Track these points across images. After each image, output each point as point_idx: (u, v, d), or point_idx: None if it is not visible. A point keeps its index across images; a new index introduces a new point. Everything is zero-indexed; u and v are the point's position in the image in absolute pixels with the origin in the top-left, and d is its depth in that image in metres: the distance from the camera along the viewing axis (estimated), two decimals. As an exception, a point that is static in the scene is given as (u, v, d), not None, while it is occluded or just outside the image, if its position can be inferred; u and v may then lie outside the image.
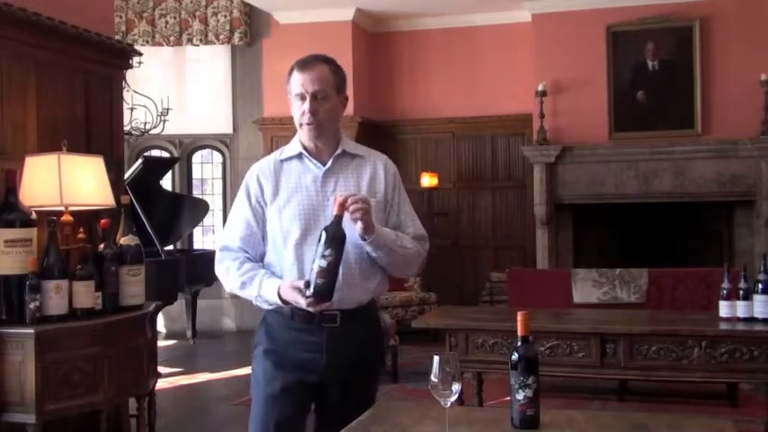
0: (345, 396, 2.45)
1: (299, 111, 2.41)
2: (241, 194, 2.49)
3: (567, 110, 8.04)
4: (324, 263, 2.23)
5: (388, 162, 2.54)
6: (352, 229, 2.31)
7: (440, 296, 7.93)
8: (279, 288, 2.34)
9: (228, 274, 2.45)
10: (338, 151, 2.46)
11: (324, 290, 2.24)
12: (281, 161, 2.48)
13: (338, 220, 2.25)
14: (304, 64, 2.44)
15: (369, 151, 2.55)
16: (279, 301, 2.35)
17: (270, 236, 2.45)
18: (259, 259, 2.47)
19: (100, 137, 4.29)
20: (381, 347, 2.69)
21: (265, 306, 2.46)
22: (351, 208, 2.26)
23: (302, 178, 2.44)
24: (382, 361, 2.71)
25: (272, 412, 2.45)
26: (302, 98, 2.40)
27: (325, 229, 2.25)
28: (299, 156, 2.46)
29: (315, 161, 2.45)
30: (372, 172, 2.48)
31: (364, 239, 2.33)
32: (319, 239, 2.26)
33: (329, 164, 2.44)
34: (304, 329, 2.41)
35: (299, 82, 2.41)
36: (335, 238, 2.24)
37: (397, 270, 2.51)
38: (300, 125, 2.42)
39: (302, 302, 2.27)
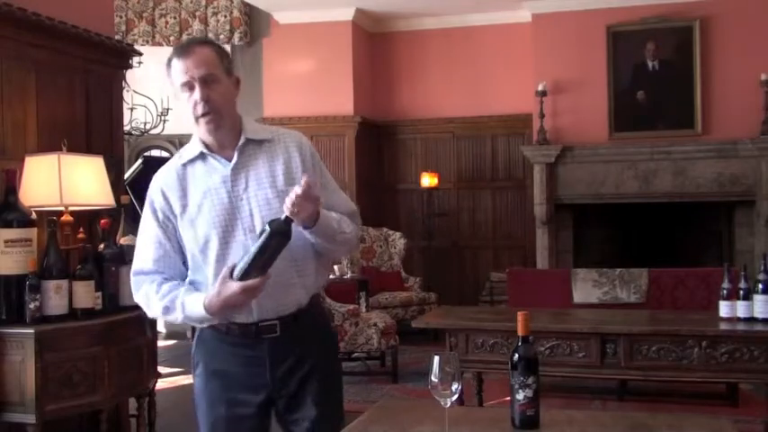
0: (302, 412, 2.23)
1: (190, 103, 2.14)
2: (147, 212, 2.23)
3: (567, 110, 8.04)
4: (254, 251, 2.02)
5: (302, 140, 2.26)
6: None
7: (440, 296, 7.93)
8: (204, 300, 2.08)
9: (149, 300, 2.19)
10: (241, 141, 2.18)
11: (243, 274, 2.03)
12: (184, 166, 2.21)
13: (288, 221, 2.03)
14: (183, 49, 2.16)
15: (276, 131, 2.26)
16: (207, 315, 2.10)
17: (188, 251, 2.20)
18: (178, 278, 2.21)
19: (100, 137, 4.29)
20: (333, 350, 2.44)
21: (197, 325, 2.24)
22: (291, 210, 2.01)
23: (209, 181, 2.17)
24: (338, 366, 2.46)
25: None
26: (190, 87, 2.13)
27: (269, 223, 2.03)
28: (202, 156, 2.20)
29: (219, 158, 2.18)
30: (286, 156, 2.20)
31: (306, 227, 2.10)
32: (261, 232, 2.03)
33: (235, 158, 2.17)
34: (243, 344, 2.20)
35: (181, 69, 2.13)
36: (277, 235, 2.01)
37: (334, 254, 2.32)
38: (196, 119, 2.15)
39: (236, 290, 2.02)
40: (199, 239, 2.16)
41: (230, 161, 2.18)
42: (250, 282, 2.02)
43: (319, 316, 2.36)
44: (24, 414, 3.30)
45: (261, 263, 2.03)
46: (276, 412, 2.27)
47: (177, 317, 2.15)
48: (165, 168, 2.26)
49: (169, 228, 2.20)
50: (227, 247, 2.14)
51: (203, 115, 2.13)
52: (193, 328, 7.56)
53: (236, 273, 2.04)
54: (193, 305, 2.11)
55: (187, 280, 2.22)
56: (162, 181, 2.22)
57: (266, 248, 2.02)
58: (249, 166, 2.18)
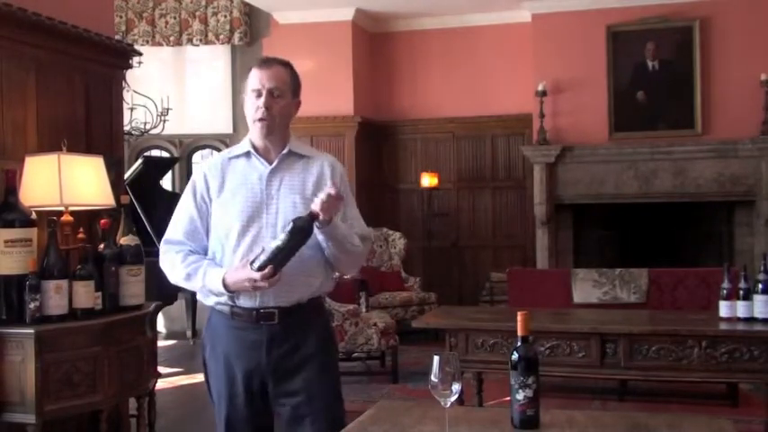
0: (296, 396, 2.46)
1: (253, 107, 2.46)
2: (187, 191, 2.56)
3: (567, 110, 8.04)
4: (278, 244, 2.28)
5: (335, 163, 2.60)
6: None
7: (440, 296, 7.93)
8: (224, 275, 2.38)
9: (173, 266, 2.50)
10: (284, 151, 2.51)
11: (262, 265, 2.29)
12: (229, 159, 2.54)
13: (312, 218, 2.31)
14: (264, 63, 2.51)
15: (316, 152, 2.62)
16: (222, 289, 2.39)
17: (213, 230, 2.50)
18: (202, 252, 2.52)
19: (100, 137, 4.29)
20: (329, 346, 2.63)
21: (210, 300, 2.50)
22: (325, 207, 2.31)
23: (248, 176, 2.49)
24: (333, 360, 2.66)
25: (226, 414, 2.51)
26: (258, 94, 2.45)
27: (294, 220, 2.30)
28: (247, 154, 2.52)
29: (261, 159, 2.50)
30: (319, 172, 2.52)
31: (318, 227, 2.36)
32: (285, 227, 2.32)
33: (275, 163, 2.49)
34: (245, 328, 2.46)
35: (257, 78, 2.47)
36: (301, 231, 2.29)
37: (342, 265, 2.55)
38: (253, 121, 2.47)
39: (251, 276, 2.30)
40: (226, 222, 2.46)
41: (271, 164, 2.49)
42: (265, 272, 2.28)
43: (318, 313, 2.59)
44: (24, 414, 3.29)
45: (280, 257, 2.29)
46: (269, 393, 2.49)
47: (196, 285, 2.46)
48: (213, 158, 2.65)
49: (203, 208, 2.51)
50: (247, 233, 2.43)
51: (260, 120, 2.45)
52: (194, 329, 7.54)
53: (256, 263, 2.30)
54: (213, 277, 2.41)
55: (208, 255, 2.51)
56: (207, 167, 2.56)
57: (288, 242, 2.28)
58: (285, 173, 2.49)
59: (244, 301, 2.43)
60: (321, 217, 2.31)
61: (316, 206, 2.31)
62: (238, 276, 2.34)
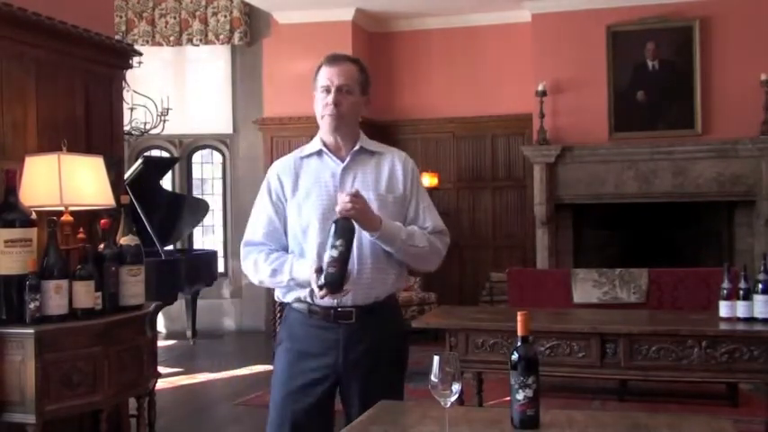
0: (367, 394, 2.44)
1: (321, 103, 2.48)
2: (262, 192, 2.56)
3: (567, 110, 8.04)
4: (335, 252, 2.26)
5: (406, 158, 2.60)
6: None
7: (440, 296, 7.93)
8: (312, 267, 2.35)
9: (257, 265, 2.49)
10: (356, 148, 2.52)
11: (334, 280, 2.26)
12: (301, 158, 2.54)
13: (345, 217, 2.30)
14: (333, 59, 2.53)
15: (387, 148, 2.62)
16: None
17: (291, 230, 2.50)
18: (282, 251, 2.51)
19: (100, 137, 4.29)
20: (402, 344, 2.64)
21: (291, 296, 2.49)
22: (342, 208, 2.29)
23: (321, 174, 2.49)
24: (404, 358, 2.66)
25: (288, 409, 2.49)
26: (327, 90, 2.47)
27: (335, 221, 2.29)
28: (319, 152, 2.53)
29: (333, 157, 2.51)
30: (390, 168, 2.54)
31: (372, 237, 2.37)
32: (329, 230, 2.29)
33: (347, 160, 2.50)
34: (322, 327, 2.46)
35: (326, 75, 2.49)
36: (344, 228, 2.27)
37: (413, 265, 2.55)
38: (322, 116, 2.49)
39: (317, 291, 2.29)
40: (302, 221, 2.47)
41: (343, 161, 2.51)
42: (324, 293, 2.28)
43: (393, 311, 2.61)
44: (24, 414, 3.29)
45: (341, 264, 2.25)
46: (341, 392, 2.51)
47: (283, 279, 2.45)
48: (285, 157, 2.61)
49: (280, 208, 2.52)
50: (325, 230, 2.38)
51: (328, 115, 2.46)
52: (194, 329, 7.52)
53: (321, 279, 2.27)
54: (300, 268, 2.40)
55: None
56: (280, 167, 2.56)
57: (342, 246, 2.25)
58: (358, 170, 2.50)
59: (323, 300, 2.41)
60: (352, 213, 2.29)
61: (341, 209, 2.29)
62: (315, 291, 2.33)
